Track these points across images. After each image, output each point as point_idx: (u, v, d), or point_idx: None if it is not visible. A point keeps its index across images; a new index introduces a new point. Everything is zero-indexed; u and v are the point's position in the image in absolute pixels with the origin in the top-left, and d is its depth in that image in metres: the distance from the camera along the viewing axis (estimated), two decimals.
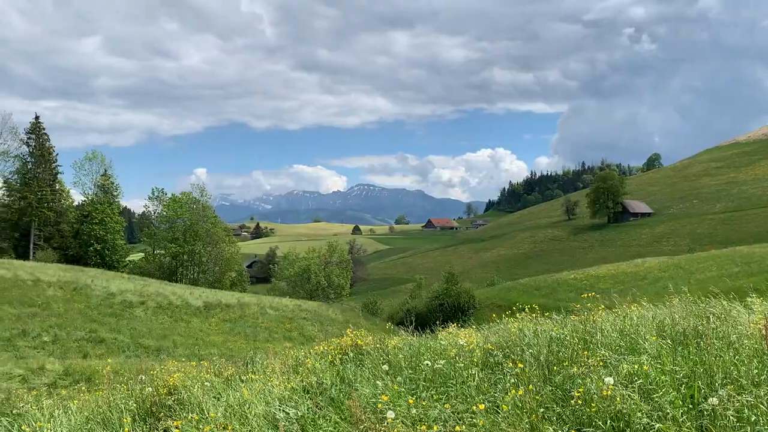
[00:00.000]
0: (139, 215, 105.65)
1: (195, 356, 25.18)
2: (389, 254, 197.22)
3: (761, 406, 4.33)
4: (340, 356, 8.65)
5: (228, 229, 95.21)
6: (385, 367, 7.18)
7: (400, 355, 7.70)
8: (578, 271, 71.99)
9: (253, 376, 8.11)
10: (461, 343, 7.59)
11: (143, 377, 9.06)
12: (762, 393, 4.50)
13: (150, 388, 7.67)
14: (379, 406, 5.40)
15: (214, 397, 7.18)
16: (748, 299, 9.06)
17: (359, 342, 8.88)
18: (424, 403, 5.52)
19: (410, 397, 5.75)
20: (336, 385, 6.83)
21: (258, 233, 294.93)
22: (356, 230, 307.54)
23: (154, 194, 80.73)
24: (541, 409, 5.02)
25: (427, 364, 6.68)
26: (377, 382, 6.42)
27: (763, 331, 5.72)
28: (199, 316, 39.68)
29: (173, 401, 7.17)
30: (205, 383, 7.85)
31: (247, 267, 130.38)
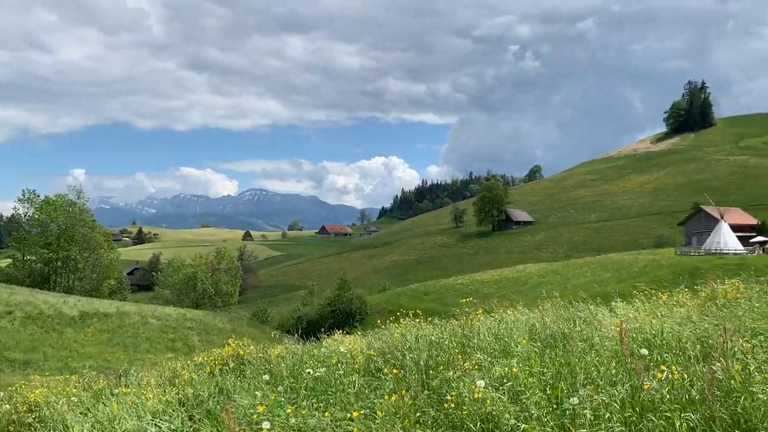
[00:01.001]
0: (7, 218, 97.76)
1: (68, 369, 23.70)
2: (282, 261, 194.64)
3: (614, 404, 4.65)
4: (220, 367, 8.41)
5: (108, 233, 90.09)
6: (266, 377, 7.06)
7: (283, 364, 7.61)
8: (465, 276, 74.55)
9: (125, 390, 7.70)
10: (342, 350, 7.61)
11: (2, 394, 8.38)
12: (616, 392, 4.82)
13: (8, 406, 7.11)
14: (255, 417, 5.29)
15: (81, 413, 6.75)
16: (613, 303, 9.79)
17: (241, 352, 8.69)
18: (303, 412, 5.46)
19: (290, 406, 5.67)
20: (214, 397, 6.63)
21: (140, 238, 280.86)
22: (247, 236, 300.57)
23: (24, 196, 74.71)
24: (417, 414, 5.11)
25: (309, 373, 6.63)
26: (256, 392, 6.29)
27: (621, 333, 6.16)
28: (73, 327, 37.23)
29: (33, 419, 6.70)
30: (72, 398, 7.37)
31: (128, 274, 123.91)
